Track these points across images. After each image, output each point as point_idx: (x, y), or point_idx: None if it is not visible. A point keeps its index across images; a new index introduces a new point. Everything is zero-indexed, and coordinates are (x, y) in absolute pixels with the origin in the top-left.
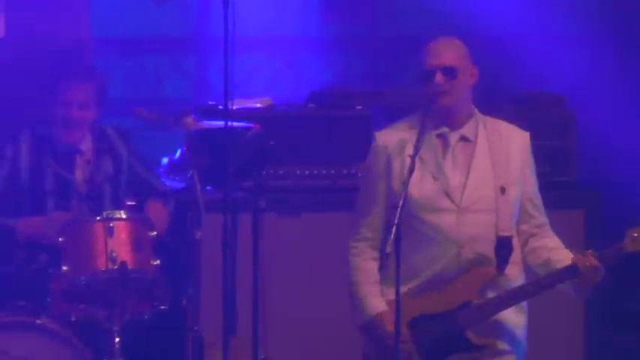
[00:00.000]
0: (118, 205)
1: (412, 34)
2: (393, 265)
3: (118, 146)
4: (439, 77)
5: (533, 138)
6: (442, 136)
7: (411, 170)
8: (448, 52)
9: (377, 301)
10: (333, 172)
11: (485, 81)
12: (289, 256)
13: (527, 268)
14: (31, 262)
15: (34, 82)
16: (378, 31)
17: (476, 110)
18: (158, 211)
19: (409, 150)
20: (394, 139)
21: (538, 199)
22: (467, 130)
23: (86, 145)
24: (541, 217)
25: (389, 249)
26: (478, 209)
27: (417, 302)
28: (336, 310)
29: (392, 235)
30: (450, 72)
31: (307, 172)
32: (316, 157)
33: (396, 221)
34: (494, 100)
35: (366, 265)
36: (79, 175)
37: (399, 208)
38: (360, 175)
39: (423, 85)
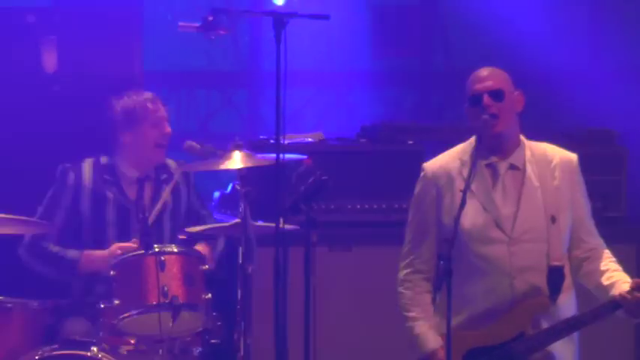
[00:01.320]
0: (175, 237)
1: (463, 67)
2: (445, 298)
3: (179, 180)
4: (487, 99)
5: (584, 173)
6: (491, 166)
7: (462, 205)
8: (493, 76)
9: (432, 337)
10: (384, 206)
11: (536, 116)
12: (341, 291)
13: (582, 291)
14: (89, 294)
15: (88, 114)
16: (428, 65)
17: (522, 137)
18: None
19: (459, 182)
20: (443, 169)
21: (590, 222)
22: (515, 159)
23: (149, 176)
24: (593, 239)
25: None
26: (529, 239)
27: (471, 335)
28: (387, 345)
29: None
30: (496, 95)
31: (359, 207)
32: (368, 192)
33: (446, 255)
34: (545, 136)
35: (421, 298)
36: (138, 204)
37: (449, 243)
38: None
39: (472, 109)
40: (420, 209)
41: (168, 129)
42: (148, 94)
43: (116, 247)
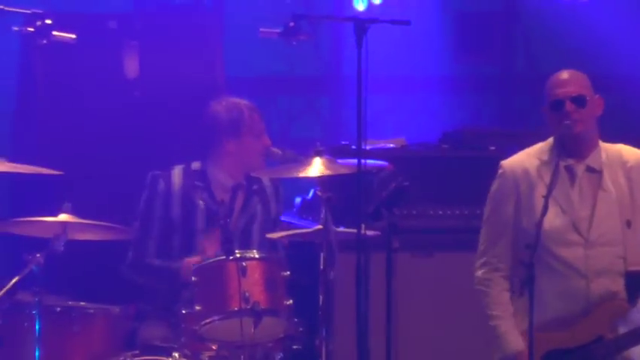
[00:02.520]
0: (262, 245)
1: (544, 73)
2: (525, 301)
3: (269, 192)
4: (569, 106)
5: None
6: (569, 168)
7: (545, 211)
8: (575, 82)
9: (515, 338)
10: (466, 212)
11: (614, 119)
12: (422, 296)
13: None
14: (175, 300)
15: (169, 120)
16: (510, 70)
17: (599, 140)
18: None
19: (538, 182)
20: (521, 167)
21: None
22: (592, 161)
23: (241, 185)
24: None
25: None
26: (605, 242)
27: (549, 336)
28: (468, 351)
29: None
30: (579, 101)
31: (440, 212)
32: (449, 198)
33: (529, 262)
34: (621, 139)
35: (502, 297)
36: (229, 211)
37: (532, 249)
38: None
39: (553, 114)
40: (498, 207)
41: (269, 140)
42: (249, 104)
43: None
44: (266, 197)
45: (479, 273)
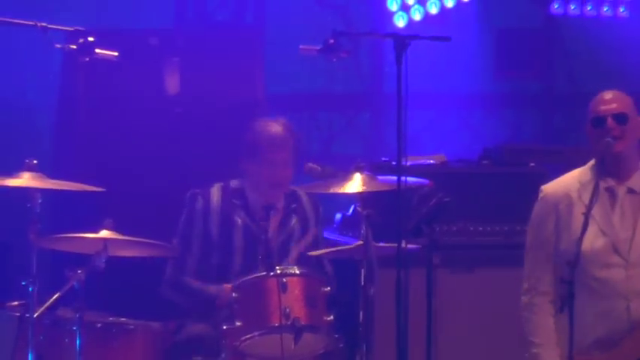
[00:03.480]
0: (300, 264)
1: (584, 89)
2: (565, 318)
3: (307, 210)
4: (611, 122)
5: None
6: (610, 190)
7: (585, 228)
8: (618, 100)
9: None
10: (506, 228)
11: None
12: (462, 312)
13: None
14: (212, 318)
15: (210, 136)
16: (551, 87)
17: None
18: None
19: (578, 204)
20: (562, 191)
21: None
22: (633, 183)
23: (279, 203)
24: None
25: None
26: None
27: (590, 359)
28: None
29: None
30: (620, 118)
31: (480, 229)
32: (489, 214)
33: (569, 279)
34: None
35: (545, 322)
36: (269, 232)
37: (572, 265)
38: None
39: (594, 130)
40: (540, 232)
41: (287, 171)
42: (278, 129)
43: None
44: (305, 216)
45: (524, 298)
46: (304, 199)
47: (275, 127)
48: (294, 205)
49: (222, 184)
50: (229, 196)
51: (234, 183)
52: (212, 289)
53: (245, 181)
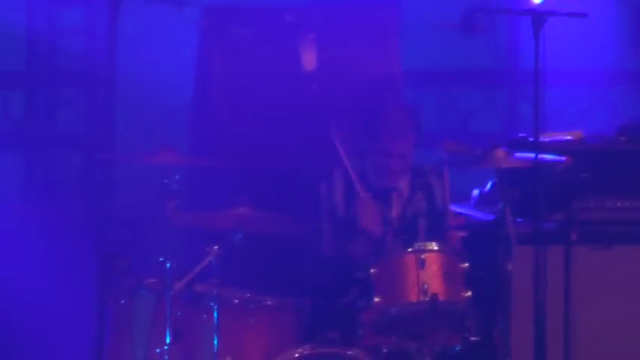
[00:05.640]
0: (431, 238)
1: None
2: None
3: (433, 183)
4: None
5: None
6: None
7: None
8: None
9: None
10: None
11: None
12: (600, 289)
13: None
14: (346, 294)
15: (347, 113)
16: None
17: None
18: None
19: None
20: None
21: None
22: None
23: (403, 182)
24: None
25: None
26: None
27: None
28: None
29: None
30: None
31: (618, 205)
32: (627, 190)
33: None
34: None
35: None
36: (394, 211)
37: None
38: None
39: None
40: None
41: (397, 164)
42: (400, 118)
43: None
44: (431, 191)
45: None
46: (430, 173)
47: (397, 117)
48: (419, 180)
49: (346, 164)
50: (354, 177)
51: (359, 163)
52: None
53: (368, 161)
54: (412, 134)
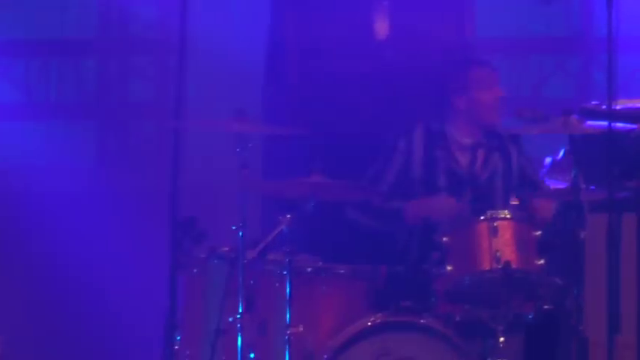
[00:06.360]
0: (507, 202)
1: None
2: None
3: (508, 145)
4: None
5: None
6: None
7: None
8: None
9: None
10: None
11: None
12: None
13: None
14: (423, 262)
15: (420, 80)
16: None
17: None
18: (545, 207)
19: None
20: None
21: None
22: None
23: (481, 143)
24: None
25: None
26: None
27: None
28: None
29: None
30: None
31: None
32: None
33: None
34: None
35: None
36: (471, 170)
37: None
38: None
39: None
40: None
41: (501, 92)
42: (490, 70)
43: (446, 198)
44: (507, 152)
45: None
46: (503, 134)
47: (486, 68)
48: (496, 143)
49: (424, 125)
50: (432, 138)
51: (435, 125)
52: (395, 203)
53: (447, 123)
54: (500, 87)
